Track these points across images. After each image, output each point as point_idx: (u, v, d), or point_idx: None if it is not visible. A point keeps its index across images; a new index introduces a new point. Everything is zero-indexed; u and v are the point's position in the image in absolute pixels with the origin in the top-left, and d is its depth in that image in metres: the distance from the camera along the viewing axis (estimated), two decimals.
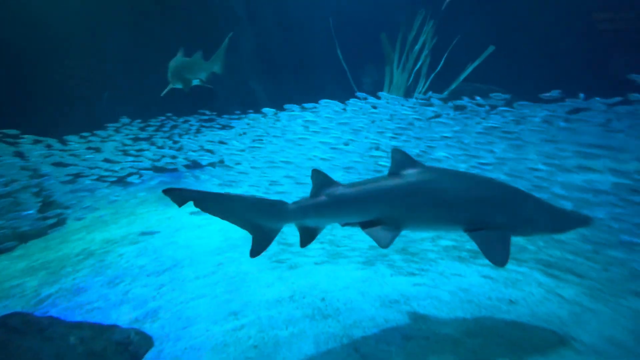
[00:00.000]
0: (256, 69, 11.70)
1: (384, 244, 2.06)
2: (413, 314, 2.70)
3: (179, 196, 2.12)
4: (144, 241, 4.71)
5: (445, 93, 6.40)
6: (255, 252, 2.29)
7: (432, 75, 8.06)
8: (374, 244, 2.11)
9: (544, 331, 2.39)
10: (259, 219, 2.26)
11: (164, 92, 6.27)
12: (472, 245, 3.84)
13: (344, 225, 2.31)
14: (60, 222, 5.66)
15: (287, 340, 2.51)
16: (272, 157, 5.50)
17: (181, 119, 8.49)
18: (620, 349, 2.21)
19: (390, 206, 2.18)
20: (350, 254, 3.81)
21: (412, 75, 8.10)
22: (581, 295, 2.80)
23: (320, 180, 2.29)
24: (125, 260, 4.17)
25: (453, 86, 7.79)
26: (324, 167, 3.69)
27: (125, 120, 8.05)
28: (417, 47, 8.04)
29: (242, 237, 4.48)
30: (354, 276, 3.28)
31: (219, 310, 2.96)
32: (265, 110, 6.73)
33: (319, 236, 2.38)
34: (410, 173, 2.21)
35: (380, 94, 6.11)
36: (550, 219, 2.15)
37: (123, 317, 3.01)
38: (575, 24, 10.23)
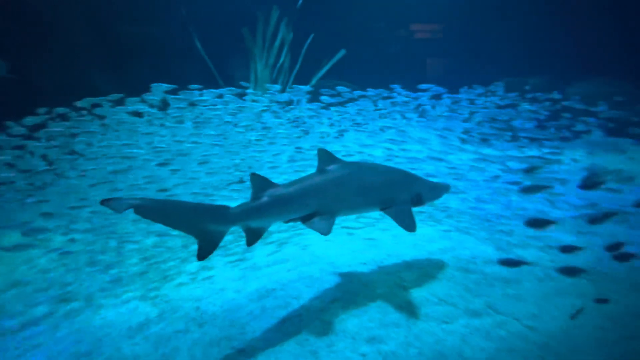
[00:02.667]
0: (98, 58, 9.70)
1: (325, 232, 2.42)
2: (288, 297, 2.91)
3: (118, 204, 2.07)
4: None
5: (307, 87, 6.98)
6: (201, 256, 2.36)
7: (295, 71, 8.60)
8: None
9: (387, 281, 3.00)
10: (203, 224, 2.32)
11: None
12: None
13: (287, 222, 2.54)
14: None
15: None
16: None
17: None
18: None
19: (324, 198, 2.54)
20: (222, 257, 3.75)
21: (275, 70, 8.42)
22: (416, 247, 3.63)
23: (259, 182, 2.47)
24: None
25: (313, 82, 8.54)
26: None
27: None
28: (276, 44, 8.37)
29: (82, 262, 3.76)
30: (229, 276, 3.27)
31: (63, 357, 2.43)
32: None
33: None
34: (335, 168, 2.65)
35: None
36: (431, 191, 2.90)
37: None
38: (399, 32, 12.79)
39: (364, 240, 3.81)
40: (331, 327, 2.48)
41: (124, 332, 2.61)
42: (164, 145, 5.21)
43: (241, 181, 5.29)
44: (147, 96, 5.67)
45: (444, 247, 3.48)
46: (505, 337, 2.22)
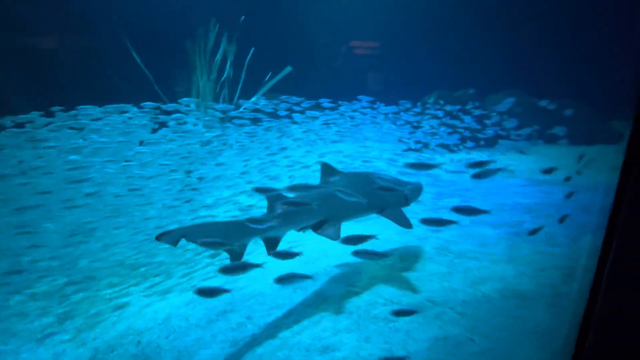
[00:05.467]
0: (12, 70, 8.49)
1: (335, 237, 2.67)
2: (240, 317, 2.83)
3: (171, 237, 2.32)
4: None
5: (251, 101, 6.94)
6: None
7: (240, 85, 8.50)
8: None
9: (338, 289, 3.09)
10: (238, 239, 2.60)
11: None
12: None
13: (299, 230, 2.80)
14: None
15: None
16: None
17: None
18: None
19: (331, 207, 2.79)
20: (170, 282, 3.52)
21: (219, 84, 8.26)
22: None
23: (274, 195, 2.69)
24: None
25: (258, 95, 8.53)
26: None
27: None
28: (218, 57, 8.22)
29: None
30: (175, 303, 3.08)
31: None
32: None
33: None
34: (337, 179, 3.05)
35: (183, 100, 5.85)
36: (414, 192, 3.28)
37: None
38: (341, 48, 13.55)
39: (314, 251, 3.89)
40: (285, 342, 2.49)
41: None
42: None
43: None
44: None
45: (388, 248, 3.72)
46: (441, 325, 2.45)
